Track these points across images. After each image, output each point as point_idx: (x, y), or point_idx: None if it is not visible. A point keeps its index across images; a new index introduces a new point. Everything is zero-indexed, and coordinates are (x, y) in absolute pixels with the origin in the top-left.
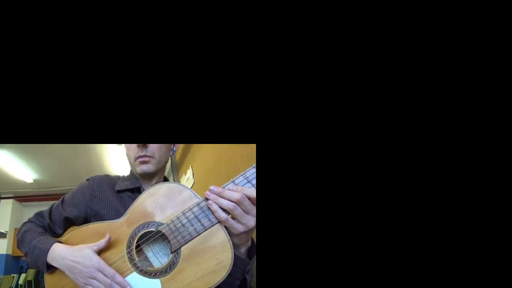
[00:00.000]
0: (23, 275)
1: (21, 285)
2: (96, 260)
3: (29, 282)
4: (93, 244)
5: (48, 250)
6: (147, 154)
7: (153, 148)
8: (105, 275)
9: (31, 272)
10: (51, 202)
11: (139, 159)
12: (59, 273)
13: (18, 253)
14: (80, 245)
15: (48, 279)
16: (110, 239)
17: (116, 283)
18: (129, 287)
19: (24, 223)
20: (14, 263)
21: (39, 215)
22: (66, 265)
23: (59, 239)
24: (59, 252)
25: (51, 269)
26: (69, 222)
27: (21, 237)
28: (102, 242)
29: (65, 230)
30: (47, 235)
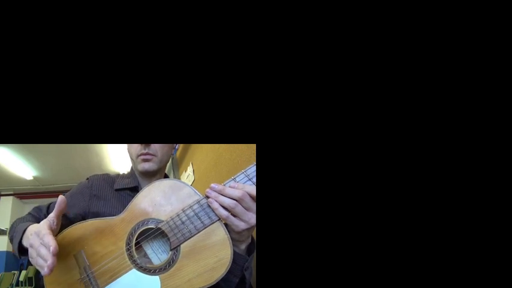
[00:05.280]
0: (23, 272)
1: (21, 282)
2: (39, 226)
3: (30, 279)
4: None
5: (24, 231)
6: (150, 152)
7: (156, 146)
8: (39, 237)
9: (32, 269)
10: (51, 199)
11: (142, 157)
12: (59, 269)
13: None
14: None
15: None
16: (64, 201)
17: (43, 244)
18: (52, 247)
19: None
20: (14, 260)
21: (37, 207)
22: (28, 241)
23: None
24: (30, 230)
25: (24, 253)
26: (66, 220)
27: (11, 225)
28: (56, 208)
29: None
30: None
